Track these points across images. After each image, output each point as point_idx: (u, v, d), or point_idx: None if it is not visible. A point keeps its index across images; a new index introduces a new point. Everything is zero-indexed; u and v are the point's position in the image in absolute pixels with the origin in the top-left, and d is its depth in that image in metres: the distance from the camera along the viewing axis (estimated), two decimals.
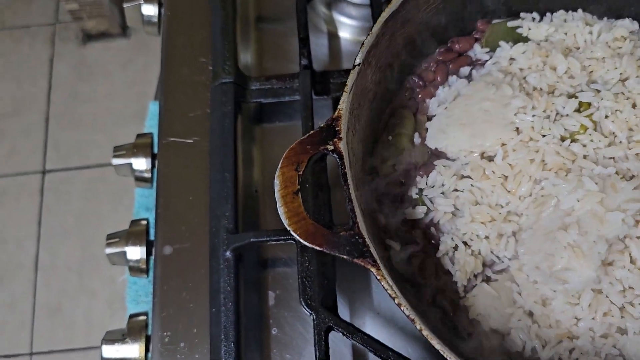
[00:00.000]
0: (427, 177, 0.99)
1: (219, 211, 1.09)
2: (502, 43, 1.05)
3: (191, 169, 1.20)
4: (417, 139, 1.02)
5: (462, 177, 0.97)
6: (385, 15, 0.89)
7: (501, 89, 0.97)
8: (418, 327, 0.75)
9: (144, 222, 1.23)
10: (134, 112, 2.75)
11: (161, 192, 1.19)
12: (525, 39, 1.06)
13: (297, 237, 0.78)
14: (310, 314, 0.99)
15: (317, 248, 0.78)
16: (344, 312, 1.07)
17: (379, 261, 0.77)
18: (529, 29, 1.05)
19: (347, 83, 0.85)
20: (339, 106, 0.84)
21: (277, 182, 0.80)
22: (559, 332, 0.89)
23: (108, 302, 2.39)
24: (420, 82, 1.06)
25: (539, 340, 0.90)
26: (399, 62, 1.02)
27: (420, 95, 1.05)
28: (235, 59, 1.20)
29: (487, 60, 1.06)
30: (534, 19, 1.08)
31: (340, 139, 0.82)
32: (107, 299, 2.41)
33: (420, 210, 0.97)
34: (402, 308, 0.76)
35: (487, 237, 0.94)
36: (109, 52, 3.15)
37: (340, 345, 1.08)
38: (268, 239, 1.06)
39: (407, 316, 0.76)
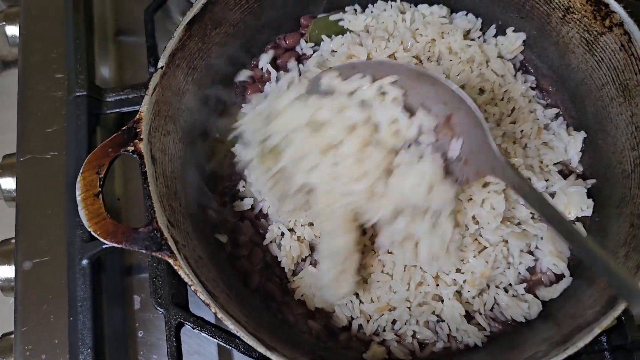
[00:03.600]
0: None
1: (74, 222, 1.11)
2: (324, 37, 1.10)
3: (50, 184, 1.21)
4: None
5: None
6: (186, 19, 0.93)
7: None
8: (213, 310, 0.79)
9: (13, 241, 1.24)
10: None
11: (21, 208, 1.20)
12: (347, 31, 1.11)
13: (98, 237, 0.81)
14: (162, 311, 1.02)
15: (117, 245, 0.81)
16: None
17: (176, 252, 0.80)
18: (349, 21, 1.10)
19: (148, 86, 0.89)
20: (140, 108, 0.87)
21: (78, 186, 0.83)
22: (380, 305, 0.94)
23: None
24: (249, 79, 1.10)
25: (364, 316, 0.95)
26: (224, 61, 1.06)
27: (249, 92, 1.09)
28: (89, 73, 1.22)
29: (312, 54, 1.11)
30: (355, 10, 1.13)
31: (140, 140, 0.85)
32: None
33: (247, 202, 1.01)
34: (198, 294, 0.79)
35: (310, 224, 0.99)
36: None
37: (206, 343, 1.12)
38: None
39: (203, 301, 0.79)
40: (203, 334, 0.98)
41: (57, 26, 1.34)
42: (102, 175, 0.84)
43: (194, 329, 1.00)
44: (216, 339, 0.98)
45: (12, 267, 1.20)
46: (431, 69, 1.03)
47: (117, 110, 1.23)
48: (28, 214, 1.20)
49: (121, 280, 1.18)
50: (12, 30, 1.43)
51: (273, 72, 1.07)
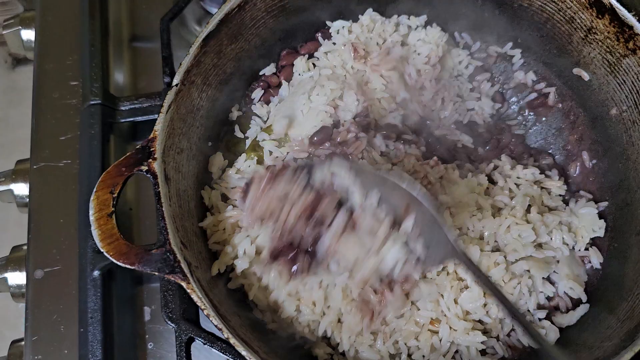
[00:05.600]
0: None
1: (86, 232, 1.10)
2: None
3: (62, 193, 1.20)
4: None
5: None
6: (202, 35, 0.92)
7: None
8: (225, 335, 0.78)
9: (25, 248, 1.24)
10: None
11: (33, 216, 1.20)
12: None
13: (110, 257, 0.80)
14: (173, 326, 1.01)
15: (130, 267, 0.80)
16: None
17: (189, 275, 0.79)
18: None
19: (163, 104, 0.88)
20: (154, 127, 0.86)
21: (91, 205, 0.82)
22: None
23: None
24: (264, 84, 1.09)
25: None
26: (240, 73, 1.05)
27: (262, 99, 1.08)
28: (103, 81, 1.22)
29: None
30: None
31: (154, 159, 0.84)
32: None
33: None
34: (210, 318, 0.79)
35: None
36: None
37: (215, 357, 1.11)
38: None
39: (216, 326, 0.79)
40: (214, 350, 0.98)
41: (73, 32, 1.33)
42: (115, 195, 0.83)
43: (204, 344, 0.99)
44: (227, 355, 0.97)
45: (24, 274, 1.20)
46: None
47: (131, 119, 1.22)
48: (40, 222, 1.19)
49: (132, 290, 1.17)
50: (28, 34, 1.42)
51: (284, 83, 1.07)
